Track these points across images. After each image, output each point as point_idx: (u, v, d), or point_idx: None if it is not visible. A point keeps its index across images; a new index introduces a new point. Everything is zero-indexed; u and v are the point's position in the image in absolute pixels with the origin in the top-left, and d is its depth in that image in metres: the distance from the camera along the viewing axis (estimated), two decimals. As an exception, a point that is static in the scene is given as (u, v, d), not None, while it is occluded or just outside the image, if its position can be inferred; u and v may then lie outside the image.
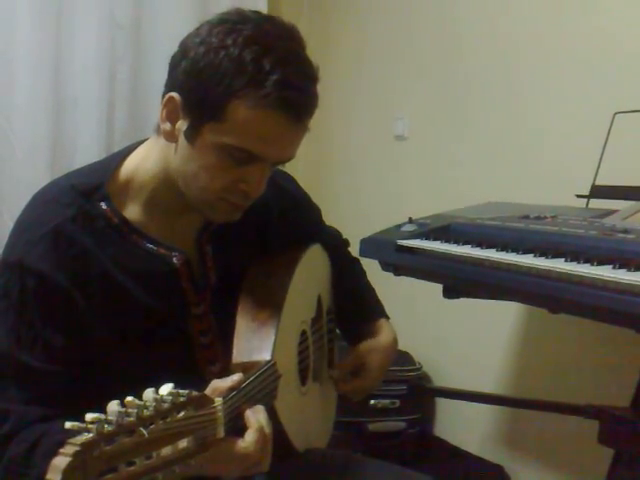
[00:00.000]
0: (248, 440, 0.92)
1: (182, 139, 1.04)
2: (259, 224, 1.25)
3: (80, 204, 1.07)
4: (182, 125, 1.04)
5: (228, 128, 1.00)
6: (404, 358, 2.57)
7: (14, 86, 2.55)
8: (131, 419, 0.71)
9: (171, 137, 1.06)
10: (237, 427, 0.93)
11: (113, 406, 0.71)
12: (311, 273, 1.35)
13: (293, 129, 1.03)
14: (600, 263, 1.23)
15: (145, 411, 0.73)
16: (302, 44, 1.05)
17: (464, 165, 2.52)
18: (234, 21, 1.02)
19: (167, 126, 1.05)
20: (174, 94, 1.04)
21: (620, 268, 1.19)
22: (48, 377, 1.02)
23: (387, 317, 1.42)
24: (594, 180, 1.78)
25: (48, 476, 0.75)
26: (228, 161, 1.02)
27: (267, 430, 0.96)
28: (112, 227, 1.08)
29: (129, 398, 0.73)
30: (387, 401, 2.49)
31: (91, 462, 0.65)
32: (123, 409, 0.71)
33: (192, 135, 1.03)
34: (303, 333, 1.28)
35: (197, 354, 1.16)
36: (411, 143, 2.79)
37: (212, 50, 0.99)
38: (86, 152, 2.61)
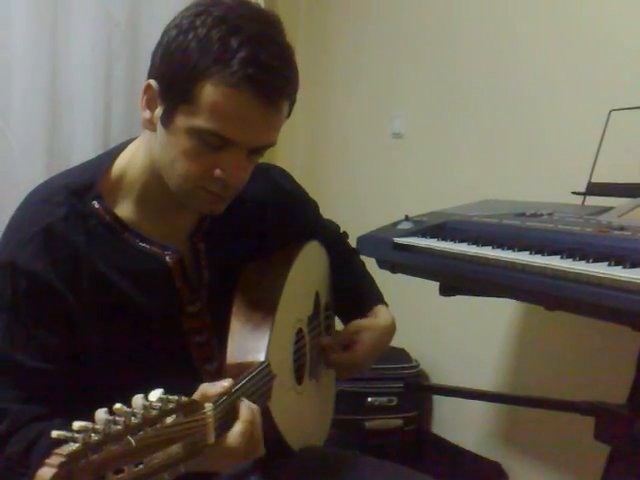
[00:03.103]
0: (235, 431, 0.91)
1: (160, 126, 1.04)
2: (254, 221, 1.24)
3: (72, 203, 1.06)
4: (160, 112, 1.03)
5: (197, 110, 0.98)
6: (401, 356, 2.58)
7: (11, 85, 2.54)
8: (119, 427, 0.70)
9: (150, 125, 1.05)
10: (228, 428, 0.92)
11: (101, 414, 0.70)
12: (308, 270, 1.35)
13: (263, 110, 1.00)
14: (596, 260, 1.23)
15: (133, 419, 0.72)
16: (278, 28, 1.03)
17: (460, 163, 2.53)
18: (207, 4, 1.01)
19: (147, 114, 1.05)
20: (152, 81, 1.03)
21: (616, 265, 1.19)
22: (44, 376, 1.02)
23: (386, 304, 1.41)
24: (590, 177, 1.78)
25: None
26: (202, 146, 1.01)
27: (256, 423, 0.94)
28: (104, 226, 1.08)
29: (117, 405, 0.72)
30: (384, 399, 2.49)
31: (77, 472, 0.65)
32: (111, 417, 0.70)
33: (167, 120, 1.02)
34: (299, 332, 1.28)
35: (192, 352, 1.15)
36: (408, 141, 2.79)
37: (182, 32, 0.99)
38: (83, 150, 2.61)
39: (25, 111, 2.55)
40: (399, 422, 2.52)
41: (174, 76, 1.00)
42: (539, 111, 2.22)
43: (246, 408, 0.94)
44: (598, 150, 1.77)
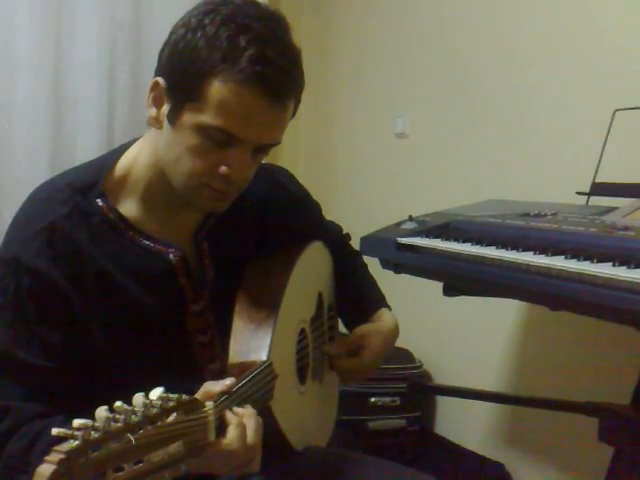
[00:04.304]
0: (229, 437, 0.90)
1: (166, 123, 1.04)
2: (257, 221, 1.24)
3: (76, 201, 1.06)
4: (166, 109, 1.04)
5: (205, 107, 0.99)
6: (404, 356, 2.57)
7: (15, 86, 2.54)
8: (119, 425, 0.70)
9: (156, 122, 1.06)
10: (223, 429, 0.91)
11: (101, 412, 0.70)
12: (311, 271, 1.34)
13: (270, 107, 1.01)
14: (600, 260, 1.22)
15: (133, 417, 0.72)
16: (285, 27, 1.04)
17: (464, 163, 2.52)
18: (216, 3, 1.02)
19: (153, 112, 1.06)
20: (159, 79, 1.04)
21: (620, 265, 1.18)
22: (46, 374, 1.02)
23: (388, 307, 1.42)
24: (594, 177, 1.77)
25: None
26: (208, 143, 1.01)
27: (249, 424, 0.93)
28: (108, 223, 1.08)
29: (118, 403, 0.72)
30: (387, 399, 2.49)
31: (77, 469, 0.65)
32: (111, 415, 0.70)
33: (174, 117, 1.02)
34: (302, 332, 1.28)
35: (196, 352, 1.15)
36: (411, 141, 2.79)
37: (190, 31, 1.00)
38: (86, 151, 2.61)
39: (29, 112, 2.56)
40: (402, 422, 2.51)
41: (182, 73, 1.00)
42: (543, 111, 2.21)
43: (235, 411, 0.93)
44: (602, 150, 1.76)
